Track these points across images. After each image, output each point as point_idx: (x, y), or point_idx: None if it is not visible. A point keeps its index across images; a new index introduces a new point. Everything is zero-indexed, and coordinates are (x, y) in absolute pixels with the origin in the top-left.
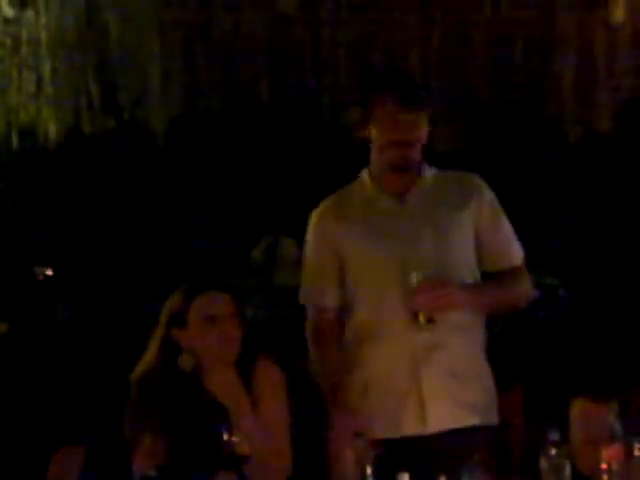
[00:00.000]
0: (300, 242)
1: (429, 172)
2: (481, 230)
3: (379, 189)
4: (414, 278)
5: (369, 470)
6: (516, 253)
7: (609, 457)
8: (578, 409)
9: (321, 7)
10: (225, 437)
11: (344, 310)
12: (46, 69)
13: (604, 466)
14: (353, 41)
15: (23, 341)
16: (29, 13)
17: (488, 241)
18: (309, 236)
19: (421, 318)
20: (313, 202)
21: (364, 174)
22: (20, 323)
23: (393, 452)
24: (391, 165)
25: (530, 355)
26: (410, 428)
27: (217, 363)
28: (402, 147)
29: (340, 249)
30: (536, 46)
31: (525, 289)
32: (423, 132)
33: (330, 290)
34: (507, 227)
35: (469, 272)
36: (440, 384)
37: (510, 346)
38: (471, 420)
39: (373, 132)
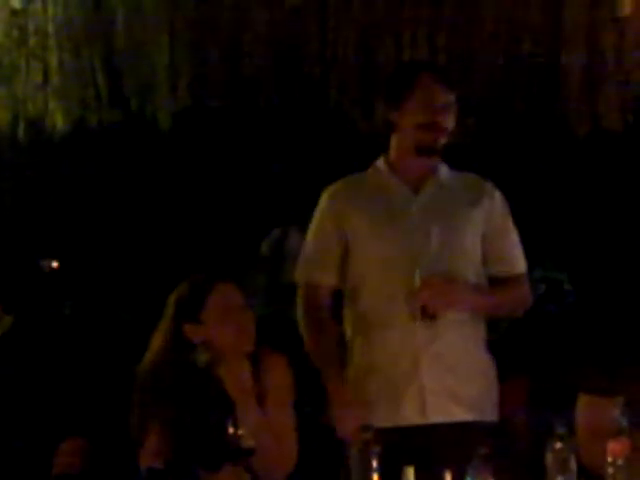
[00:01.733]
0: None
1: (443, 167)
2: (490, 233)
3: (395, 175)
4: (419, 273)
5: (374, 463)
6: (521, 260)
7: (615, 451)
8: (584, 403)
9: None
10: (231, 430)
11: (346, 296)
12: (53, 61)
13: (610, 460)
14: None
15: (29, 334)
16: (36, 4)
17: (496, 245)
18: (317, 214)
19: (423, 313)
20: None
21: (380, 161)
22: (26, 316)
23: (392, 442)
24: (420, 147)
25: (536, 349)
26: (409, 418)
27: (233, 356)
28: (434, 130)
29: (347, 230)
30: (544, 40)
31: (527, 297)
32: (453, 117)
33: (331, 270)
34: (515, 234)
35: (474, 269)
36: (439, 377)
37: (516, 340)
38: (468, 416)
39: (402, 115)
